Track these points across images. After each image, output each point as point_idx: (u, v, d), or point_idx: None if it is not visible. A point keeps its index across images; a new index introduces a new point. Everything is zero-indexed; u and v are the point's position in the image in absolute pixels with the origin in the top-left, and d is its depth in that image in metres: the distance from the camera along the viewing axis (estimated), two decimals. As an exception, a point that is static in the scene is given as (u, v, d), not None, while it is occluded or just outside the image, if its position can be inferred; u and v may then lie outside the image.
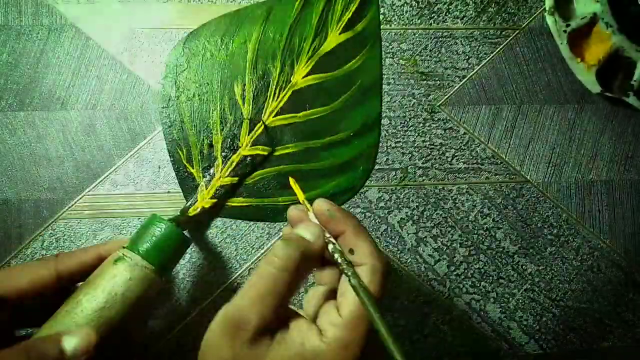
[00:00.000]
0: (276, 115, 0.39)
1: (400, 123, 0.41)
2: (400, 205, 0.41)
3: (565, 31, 0.41)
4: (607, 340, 0.42)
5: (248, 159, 0.38)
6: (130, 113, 0.38)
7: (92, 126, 0.38)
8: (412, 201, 0.41)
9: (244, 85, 0.39)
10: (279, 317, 0.25)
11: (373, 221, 0.40)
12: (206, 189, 0.37)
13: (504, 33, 0.42)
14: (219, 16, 0.39)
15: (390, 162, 0.41)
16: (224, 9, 0.39)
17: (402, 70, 0.41)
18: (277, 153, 0.39)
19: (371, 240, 0.27)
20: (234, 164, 0.38)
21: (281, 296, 0.25)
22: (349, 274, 0.25)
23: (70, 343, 0.26)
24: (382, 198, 0.40)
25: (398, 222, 0.40)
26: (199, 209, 0.36)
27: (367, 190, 0.40)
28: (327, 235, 0.27)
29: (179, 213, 0.36)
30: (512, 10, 0.42)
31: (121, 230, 0.38)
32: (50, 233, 0.37)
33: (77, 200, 0.38)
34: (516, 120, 0.42)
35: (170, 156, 0.38)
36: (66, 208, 0.38)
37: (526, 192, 0.42)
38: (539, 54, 0.42)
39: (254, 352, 0.23)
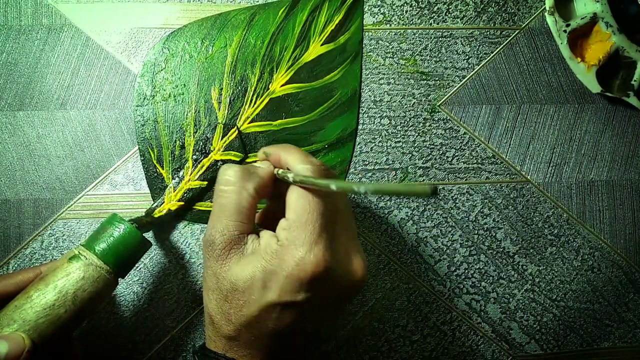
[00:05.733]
0: (251, 121, 0.39)
1: (400, 123, 0.41)
2: (400, 205, 0.40)
3: (565, 31, 0.41)
4: (607, 340, 0.42)
5: (219, 163, 0.38)
6: (130, 113, 0.38)
7: (91, 126, 0.38)
8: (412, 201, 0.41)
9: (221, 89, 0.38)
10: (252, 233, 0.28)
11: (373, 221, 0.40)
12: (174, 191, 0.37)
13: (504, 33, 0.42)
14: (201, 18, 0.39)
15: (391, 162, 0.41)
16: (225, 9, 0.39)
17: (402, 70, 0.41)
18: (249, 160, 0.38)
19: (298, 153, 0.29)
20: (205, 167, 0.37)
21: (238, 212, 0.28)
22: (289, 176, 0.27)
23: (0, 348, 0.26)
24: (382, 198, 0.40)
25: (398, 222, 0.40)
26: (164, 211, 0.36)
27: (367, 190, 0.40)
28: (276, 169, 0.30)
29: (144, 214, 0.36)
30: (512, 10, 0.42)
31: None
32: (50, 233, 0.37)
33: (77, 200, 0.38)
34: (516, 120, 0.42)
35: (140, 155, 0.38)
36: (65, 208, 0.38)
37: (526, 192, 0.42)
38: (539, 54, 0.42)
39: (226, 265, 0.27)
